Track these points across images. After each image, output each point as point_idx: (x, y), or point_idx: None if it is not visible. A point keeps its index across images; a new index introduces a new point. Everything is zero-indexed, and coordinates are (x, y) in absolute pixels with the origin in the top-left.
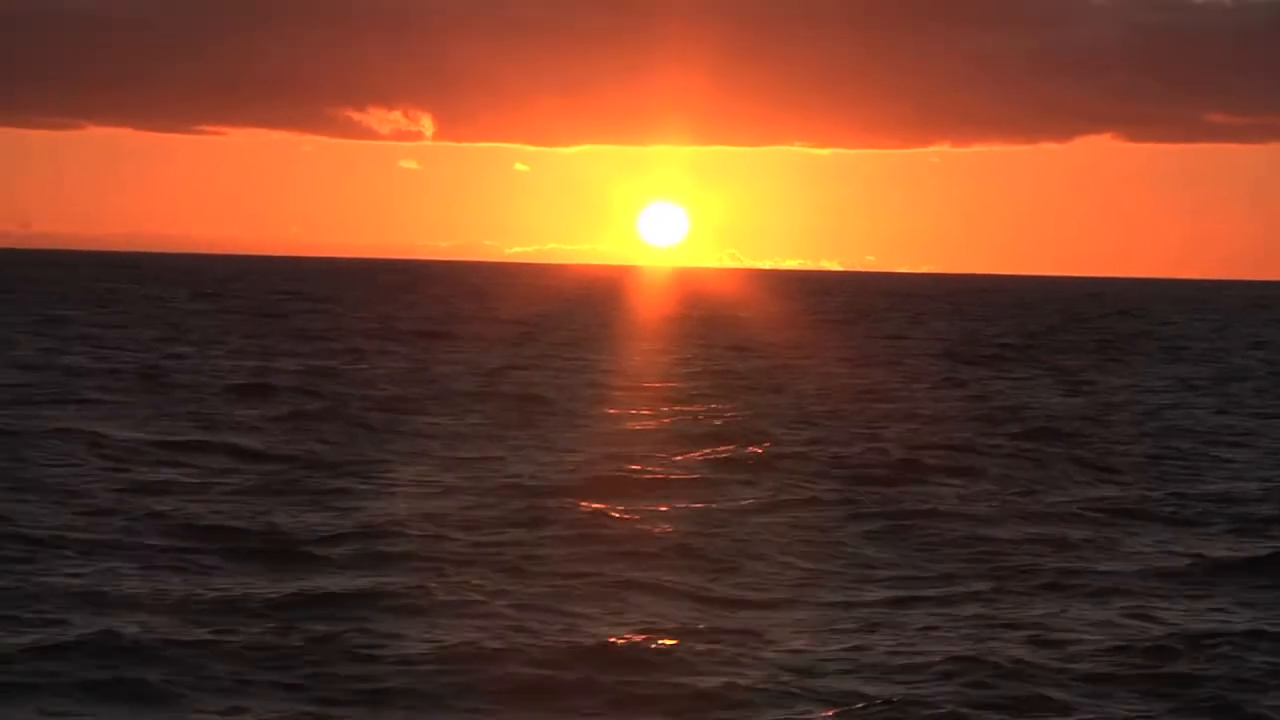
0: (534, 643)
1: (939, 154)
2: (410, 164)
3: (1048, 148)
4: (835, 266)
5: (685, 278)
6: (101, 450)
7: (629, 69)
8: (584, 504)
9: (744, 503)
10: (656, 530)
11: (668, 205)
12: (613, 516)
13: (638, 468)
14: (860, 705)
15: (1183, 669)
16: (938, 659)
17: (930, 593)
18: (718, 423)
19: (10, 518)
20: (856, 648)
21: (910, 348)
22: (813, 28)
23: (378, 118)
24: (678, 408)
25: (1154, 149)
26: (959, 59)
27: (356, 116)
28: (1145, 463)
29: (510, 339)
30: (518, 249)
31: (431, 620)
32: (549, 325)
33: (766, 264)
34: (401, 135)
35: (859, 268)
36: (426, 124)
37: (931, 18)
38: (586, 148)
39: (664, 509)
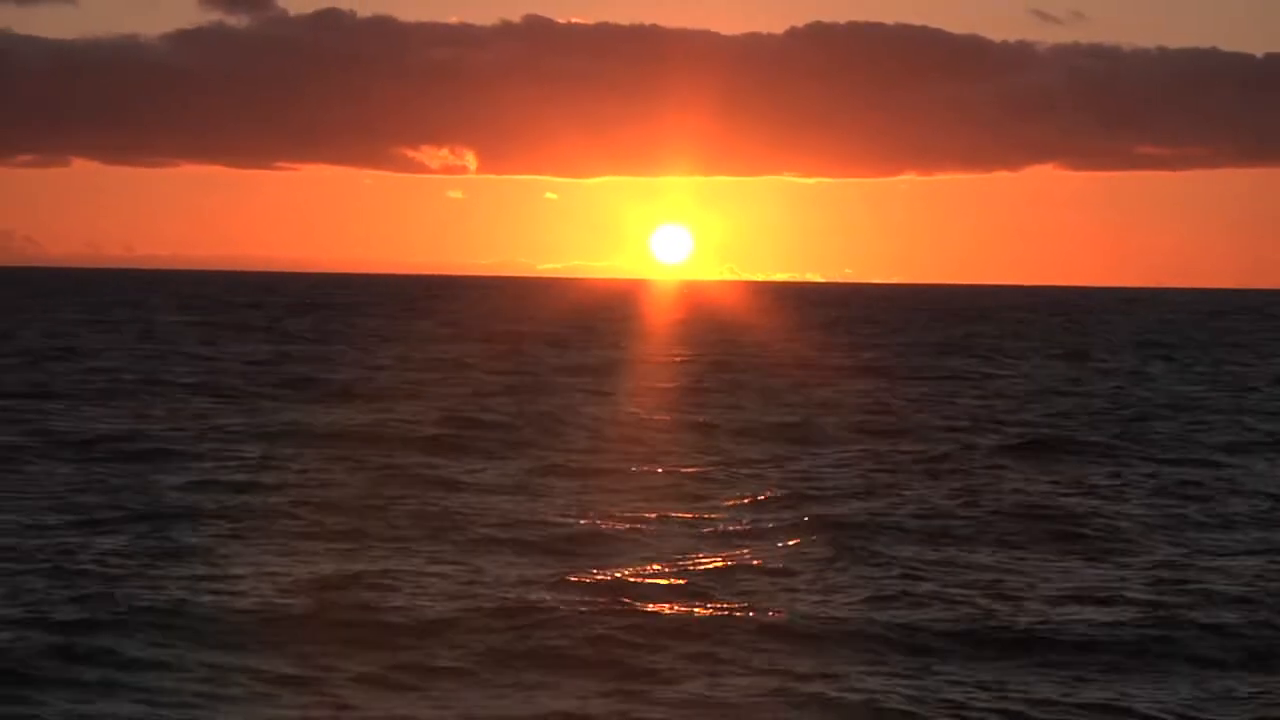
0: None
1: (907, 182)
2: (456, 194)
3: (1001, 175)
4: (817, 278)
5: (691, 289)
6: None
7: (643, 112)
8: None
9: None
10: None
11: (675, 227)
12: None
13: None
14: None
15: None
16: None
17: None
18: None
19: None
20: None
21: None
22: (800, 77)
23: (429, 154)
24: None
25: (1092, 176)
26: (925, 102)
27: (410, 154)
28: None
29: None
30: (548, 266)
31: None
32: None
33: (759, 276)
34: (449, 169)
35: (838, 279)
36: (470, 159)
37: (901, 68)
38: (607, 179)
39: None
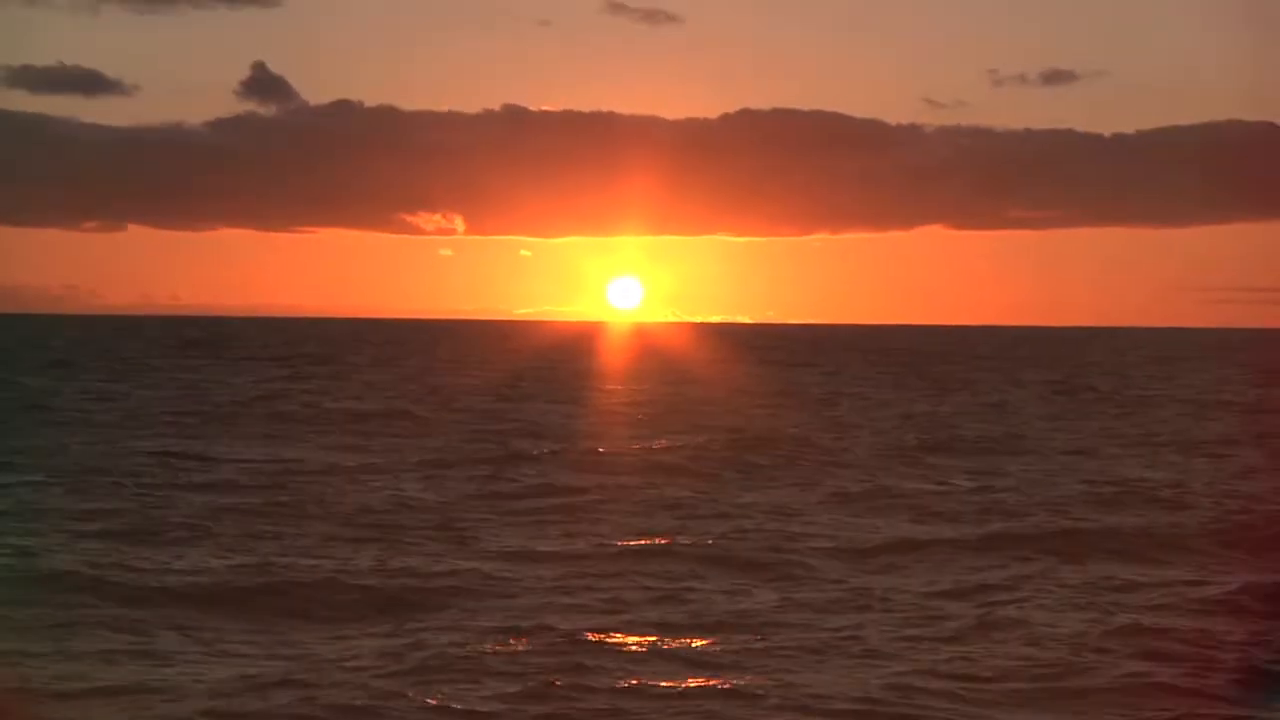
0: None
1: (820, 240)
2: (447, 252)
3: (896, 234)
4: (746, 319)
5: (642, 330)
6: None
7: (601, 183)
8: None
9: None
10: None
11: (628, 278)
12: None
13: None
14: None
15: None
16: None
17: None
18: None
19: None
20: None
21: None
22: (732, 154)
23: (424, 219)
24: None
25: (972, 234)
26: (834, 174)
27: (409, 218)
28: None
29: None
30: (523, 310)
31: None
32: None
33: (698, 318)
34: (441, 231)
35: (762, 320)
36: (459, 223)
37: (814, 146)
38: (571, 239)
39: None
